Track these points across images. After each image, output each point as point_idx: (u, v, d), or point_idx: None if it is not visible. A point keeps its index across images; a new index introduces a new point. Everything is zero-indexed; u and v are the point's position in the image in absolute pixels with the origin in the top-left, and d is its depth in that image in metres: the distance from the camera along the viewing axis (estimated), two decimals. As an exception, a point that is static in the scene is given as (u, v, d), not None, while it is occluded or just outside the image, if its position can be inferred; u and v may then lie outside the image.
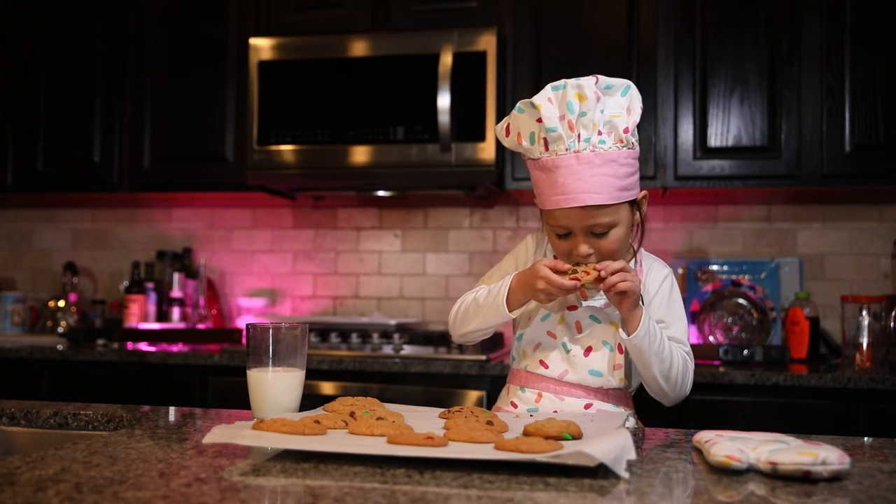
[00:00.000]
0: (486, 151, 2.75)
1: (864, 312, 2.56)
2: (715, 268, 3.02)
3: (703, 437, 1.14)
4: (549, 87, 1.42)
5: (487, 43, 2.76)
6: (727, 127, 2.75)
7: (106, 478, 0.96)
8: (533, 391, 1.54)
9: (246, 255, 3.45)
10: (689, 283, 3.01)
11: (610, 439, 1.04)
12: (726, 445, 1.05)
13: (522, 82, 2.85)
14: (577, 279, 1.39)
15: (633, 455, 1.04)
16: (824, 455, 0.99)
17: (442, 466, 1.03)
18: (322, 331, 2.89)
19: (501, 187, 2.87)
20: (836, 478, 1.00)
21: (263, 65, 2.93)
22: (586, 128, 1.39)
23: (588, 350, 1.50)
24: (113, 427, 1.46)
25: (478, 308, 1.55)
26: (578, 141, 1.39)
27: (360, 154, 2.84)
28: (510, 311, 1.49)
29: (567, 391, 1.52)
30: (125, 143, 3.16)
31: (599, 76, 1.42)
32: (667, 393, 1.51)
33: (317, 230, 3.39)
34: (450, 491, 0.92)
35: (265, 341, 1.34)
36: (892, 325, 2.64)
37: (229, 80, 3.07)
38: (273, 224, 3.43)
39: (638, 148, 1.47)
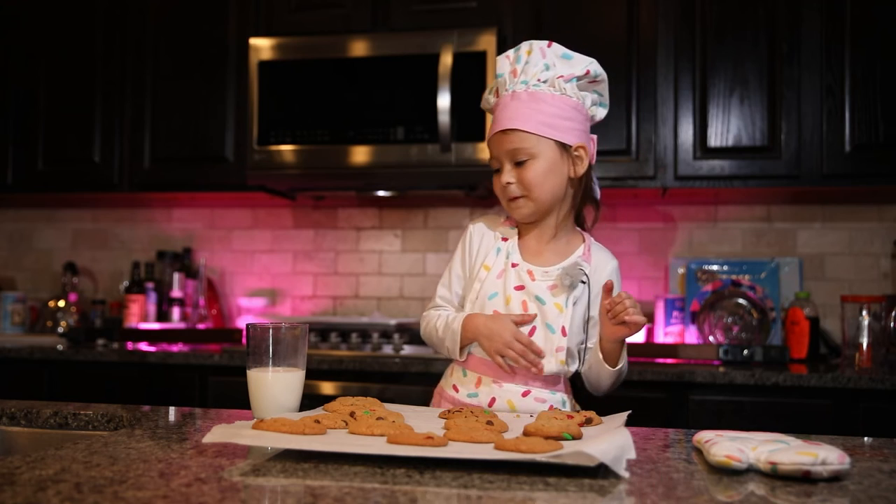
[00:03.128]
0: (486, 151, 2.74)
1: (864, 312, 2.56)
2: (715, 268, 3.02)
3: (703, 437, 1.14)
4: (511, 49, 1.58)
5: (487, 43, 2.76)
6: (727, 127, 2.75)
7: (106, 478, 0.96)
8: (473, 374, 1.57)
9: (246, 255, 3.45)
10: (689, 283, 3.01)
11: (610, 439, 1.04)
12: (726, 445, 1.05)
13: (522, 82, 2.85)
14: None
15: (632, 455, 1.04)
16: (824, 455, 0.99)
17: (442, 466, 1.03)
18: (322, 331, 2.89)
19: (501, 187, 2.87)
20: (835, 478, 1.00)
21: (263, 65, 2.93)
22: (526, 73, 1.54)
23: (532, 331, 1.51)
24: (113, 427, 1.46)
25: (438, 342, 1.62)
26: (517, 84, 1.54)
27: (360, 154, 2.84)
28: (461, 356, 1.58)
29: (506, 375, 1.53)
30: (125, 143, 3.16)
31: (555, 44, 1.56)
32: (608, 392, 1.58)
33: (317, 230, 3.39)
34: (450, 491, 0.92)
35: (265, 341, 1.33)
36: (892, 325, 2.64)
37: (229, 80, 3.07)
38: (273, 224, 3.43)
39: (577, 102, 1.55)
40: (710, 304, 2.90)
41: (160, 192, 3.17)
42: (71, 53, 3.21)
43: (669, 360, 2.66)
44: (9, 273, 3.65)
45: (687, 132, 2.77)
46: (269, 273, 3.42)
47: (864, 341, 2.53)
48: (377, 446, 1.05)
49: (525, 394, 1.53)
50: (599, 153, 2.81)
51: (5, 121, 3.24)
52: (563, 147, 1.53)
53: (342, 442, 1.08)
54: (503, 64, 1.57)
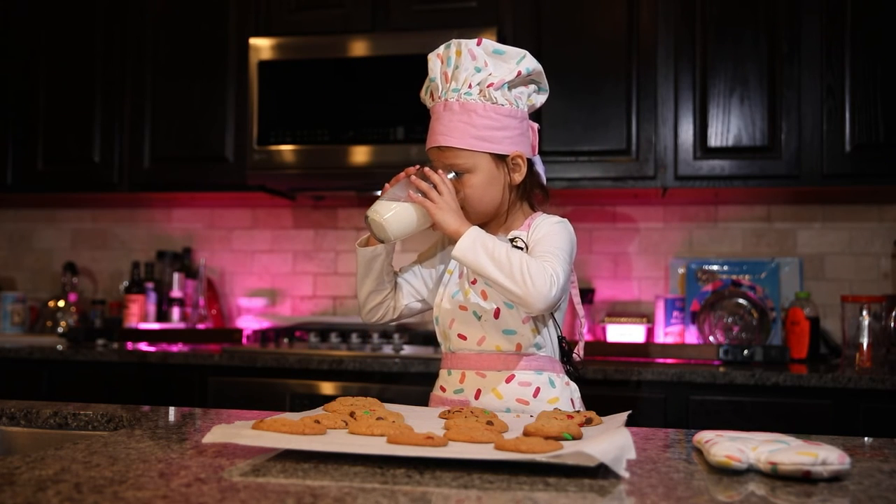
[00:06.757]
0: (486, 151, 2.74)
1: (864, 312, 2.55)
2: (715, 268, 3.02)
3: (703, 437, 1.14)
4: (442, 45, 1.58)
5: (487, 43, 2.76)
6: (727, 127, 2.75)
7: (106, 478, 0.96)
8: (457, 371, 1.60)
9: (246, 255, 3.45)
10: (689, 283, 3.01)
11: (610, 439, 1.04)
12: (726, 445, 1.05)
13: (522, 82, 2.85)
14: None
15: (633, 455, 1.04)
16: (824, 455, 0.99)
17: (442, 466, 1.03)
18: (322, 331, 2.89)
19: (501, 187, 2.87)
20: (836, 478, 1.00)
21: (263, 65, 2.93)
22: (457, 80, 1.54)
23: (497, 312, 1.54)
24: (113, 427, 1.46)
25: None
26: (448, 91, 1.56)
27: (360, 154, 2.84)
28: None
29: (487, 363, 1.56)
30: (125, 143, 3.16)
31: (486, 40, 1.55)
32: (521, 296, 1.41)
33: (317, 230, 3.39)
34: (450, 491, 0.92)
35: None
36: (892, 325, 2.64)
37: (229, 80, 3.07)
38: (273, 224, 3.43)
39: (511, 107, 1.54)
40: (710, 304, 2.90)
41: (160, 192, 3.17)
42: (71, 53, 3.20)
43: (669, 360, 2.66)
44: (9, 273, 3.65)
45: (687, 132, 2.77)
46: (269, 273, 3.42)
47: (865, 341, 2.53)
48: (377, 446, 1.05)
49: (509, 379, 1.55)
50: (600, 153, 2.81)
51: (5, 121, 3.24)
52: (500, 157, 1.56)
53: (342, 442, 1.08)
54: (435, 65, 1.58)
